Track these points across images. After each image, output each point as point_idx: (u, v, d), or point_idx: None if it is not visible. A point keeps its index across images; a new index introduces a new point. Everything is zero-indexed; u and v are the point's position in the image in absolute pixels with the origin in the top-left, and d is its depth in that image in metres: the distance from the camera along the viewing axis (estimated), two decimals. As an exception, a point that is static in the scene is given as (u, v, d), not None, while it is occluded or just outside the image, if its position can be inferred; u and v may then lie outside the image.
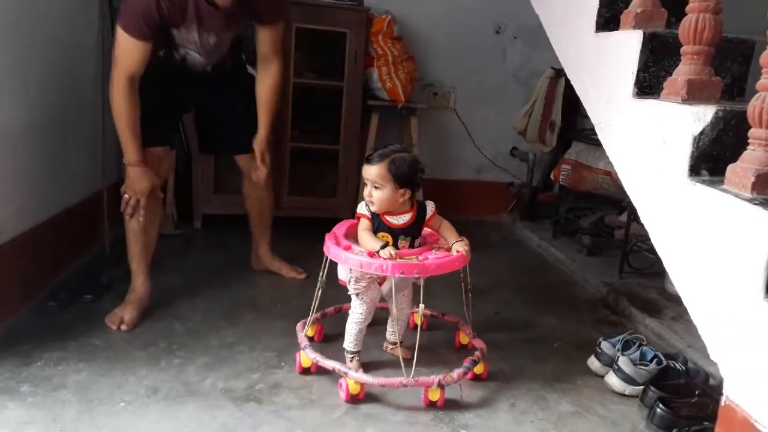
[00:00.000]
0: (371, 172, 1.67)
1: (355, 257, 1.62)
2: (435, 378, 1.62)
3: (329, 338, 1.97)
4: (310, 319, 1.87)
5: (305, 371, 1.75)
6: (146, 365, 1.73)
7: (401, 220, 1.71)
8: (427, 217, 1.75)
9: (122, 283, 2.09)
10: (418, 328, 1.67)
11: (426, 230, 1.81)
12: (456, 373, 1.66)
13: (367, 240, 1.67)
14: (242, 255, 2.58)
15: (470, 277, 2.61)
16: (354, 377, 1.62)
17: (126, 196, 1.95)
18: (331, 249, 1.69)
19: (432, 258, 1.66)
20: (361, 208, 1.72)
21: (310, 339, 1.89)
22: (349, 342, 1.78)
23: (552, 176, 3.20)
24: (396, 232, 1.71)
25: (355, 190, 3.18)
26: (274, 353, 1.86)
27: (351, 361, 1.77)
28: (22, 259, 1.97)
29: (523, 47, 3.53)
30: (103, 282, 2.22)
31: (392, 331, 1.89)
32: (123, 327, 1.92)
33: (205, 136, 2.44)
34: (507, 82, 3.57)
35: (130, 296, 2.02)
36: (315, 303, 1.82)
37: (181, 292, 2.23)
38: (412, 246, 1.74)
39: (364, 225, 1.70)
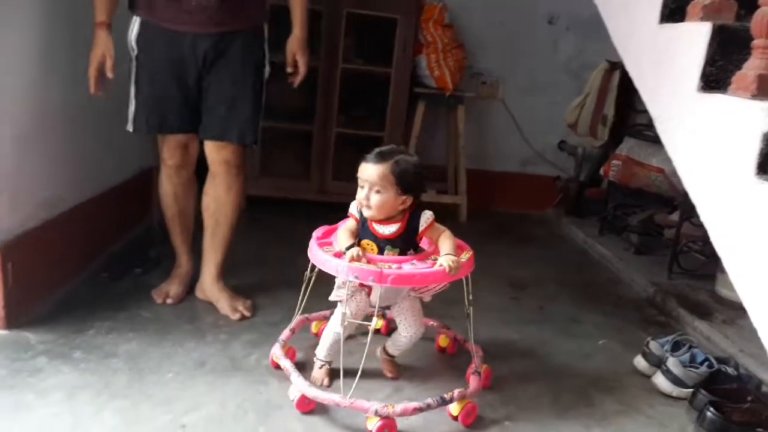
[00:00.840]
0: (371, 172, 1.48)
1: (316, 253, 1.49)
2: (374, 405, 1.40)
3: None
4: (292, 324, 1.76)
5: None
6: (193, 339, 1.77)
7: (389, 229, 1.51)
8: (421, 228, 1.53)
9: (169, 259, 2.14)
10: (369, 336, 1.42)
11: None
12: (401, 407, 1.41)
13: (341, 238, 1.50)
14: (287, 236, 2.61)
15: (513, 270, 2.62)
16: (297, 387, 1.49)
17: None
18: (312, 246, 1.54)
19: (409, 268, 1.44)
20: (352, 208, 1.55)
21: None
22: (321, 349, 1.62)
23: (601, 171, 3.13)
24: (381, 242, 1.52)
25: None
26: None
27: (320, 368, 1.61)
28: (79, 228, 2.05)
29: (576, 38, 3.46)
30: (152, 257, 2.27)
31: (391, 343, 1.68)
32: (168, 300, 1.96)
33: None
34: (558, 74, 3.50)
35: (175, 271, 2.05)
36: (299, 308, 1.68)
37: (227, 272, 2.27)
38: (403, 254, 1.53)
39: (348, 224, 1.54)
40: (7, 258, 1.70)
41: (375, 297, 1.51)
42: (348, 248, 1.44)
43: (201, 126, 1.87)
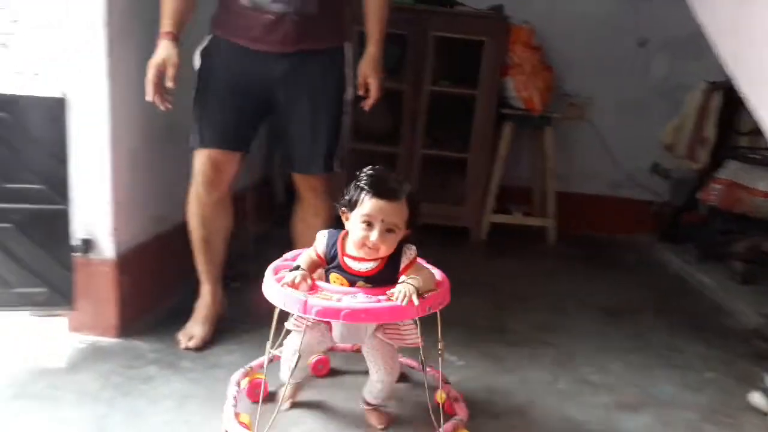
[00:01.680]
0: (389, 210, 1.28)
1: (267, 276, 1.33)
2: None
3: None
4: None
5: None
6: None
7: (364, 266, 1.31)
8: (403, 265, 1.31)
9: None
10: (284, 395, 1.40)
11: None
12: None
13: (300, 259, 1.35)
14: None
15: (605, 296, 2.53)
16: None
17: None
18: (269, 269, 1.38)
19: (350, 301, 1.23)
20: (319, 241, 1.37)
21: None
22: (283, 371, 1.47)
23: (700, 196, 2.98)
24: (354, 279, 1.32)
25: (481, 198, 3.15)
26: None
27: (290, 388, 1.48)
28: (181, 243, 2.12)
29: (669, 59, 3.34)
30: (248, 273, 2.34)
31: (367, 391, 1.48)
32: (191, 344, 1.78)
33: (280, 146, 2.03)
34: (649, 94, 3.38)
35: (197, 306, 1.88)
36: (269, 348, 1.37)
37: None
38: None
39: (316, 248, 1.36)
40: (122, 270, 1.79)
41: (336, 333, 1.36)
42: (292, 269, 1.28)
43: (286, 158, 1.85)
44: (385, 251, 1.29)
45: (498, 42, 3.00)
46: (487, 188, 3.16)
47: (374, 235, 1.27)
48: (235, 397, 1.44)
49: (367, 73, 1.77)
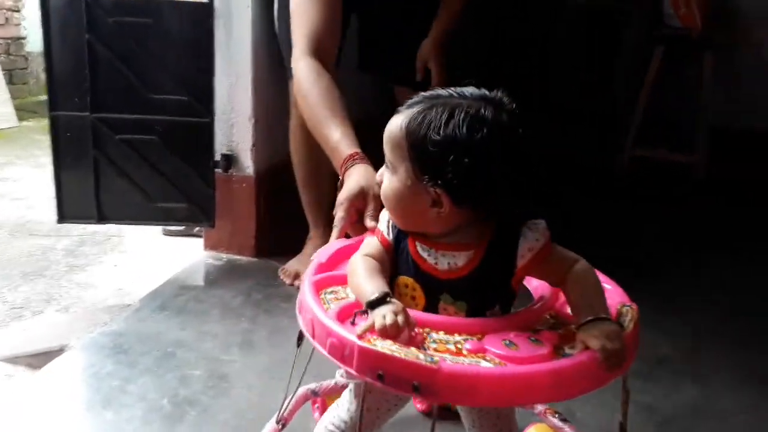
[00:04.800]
0: (390, 133, 0.72)
1: (308, 313, 0.68)
2: None
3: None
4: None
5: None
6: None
7: (452, 260, 0.71)
8: (523, 258, 0.69)
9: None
10: None
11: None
12: None
13: (359, 279, 0.70)
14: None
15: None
16: None
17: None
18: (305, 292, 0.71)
19: (502, 354, 0.62)
20: (382, 217, 0.78)
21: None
22: None
23: None
24: (434, 285, 0.71)
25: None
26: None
27: None
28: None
29: None
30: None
31: None
32: (296, 283, 1.64)
33: (367, 49, 1.76)
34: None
35: (306, 251, 1.73)
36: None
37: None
38: (477, 313, 0.71)
39: (369, 248, 0.75)
40: (261, 188, 1.75)
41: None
42: (372, 304, 0.64)
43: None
44: (398, 215, 0.73)
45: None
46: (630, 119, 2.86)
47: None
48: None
49: (427, 57, 1.58)
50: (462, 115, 0.65)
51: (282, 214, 1.86)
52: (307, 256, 1.71)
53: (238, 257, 1.79)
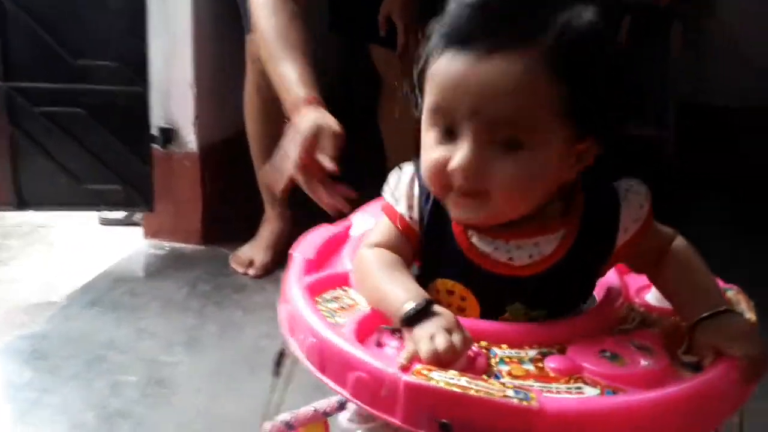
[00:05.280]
0: (498, 80, 0.47)
1: (320, 333, 0.48)
2: None
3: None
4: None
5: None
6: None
7: (536, 249, 0.52)
8: (623, 226, 0.52)
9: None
10: None
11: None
12: None
13: (382, 279, 0.51)
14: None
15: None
16: None
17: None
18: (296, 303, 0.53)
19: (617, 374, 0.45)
20: (400, 195, 0.55)
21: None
22: None
23: None
24: (503, 290, 0.52)
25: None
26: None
27: None
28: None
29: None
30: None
31: None
32: (251, 271, 1.50)
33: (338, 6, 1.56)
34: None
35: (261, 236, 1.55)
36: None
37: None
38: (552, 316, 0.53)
39: (380, 235, 0.55)
40: (206, 166, 1.58)
41: None
42: (410, 319, 0.46)
43: None
44: (504, 201, 0.49)
45: None
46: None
47: (461, 155, 0.48)
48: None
49: (389, 8, 1.40)
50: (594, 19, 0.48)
51: (232, 195, 1.68)
52: (263, 240, 1.54)
53: (182, 245, 1.60)
